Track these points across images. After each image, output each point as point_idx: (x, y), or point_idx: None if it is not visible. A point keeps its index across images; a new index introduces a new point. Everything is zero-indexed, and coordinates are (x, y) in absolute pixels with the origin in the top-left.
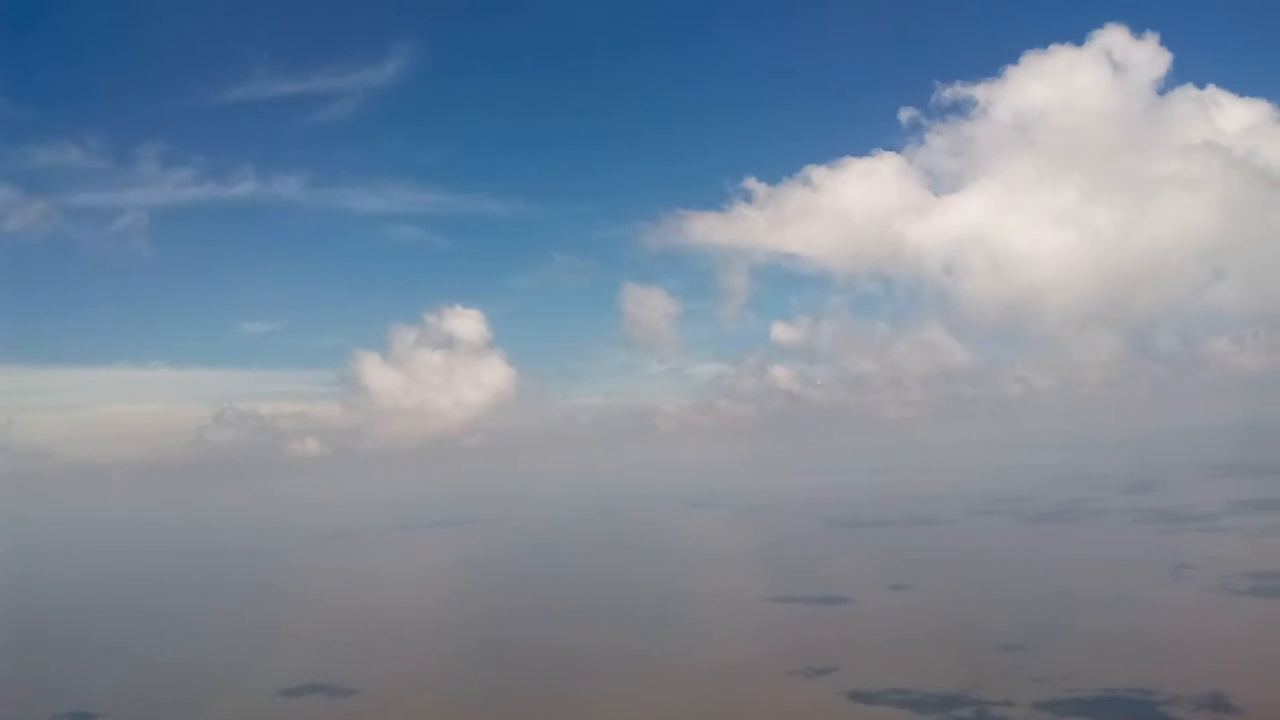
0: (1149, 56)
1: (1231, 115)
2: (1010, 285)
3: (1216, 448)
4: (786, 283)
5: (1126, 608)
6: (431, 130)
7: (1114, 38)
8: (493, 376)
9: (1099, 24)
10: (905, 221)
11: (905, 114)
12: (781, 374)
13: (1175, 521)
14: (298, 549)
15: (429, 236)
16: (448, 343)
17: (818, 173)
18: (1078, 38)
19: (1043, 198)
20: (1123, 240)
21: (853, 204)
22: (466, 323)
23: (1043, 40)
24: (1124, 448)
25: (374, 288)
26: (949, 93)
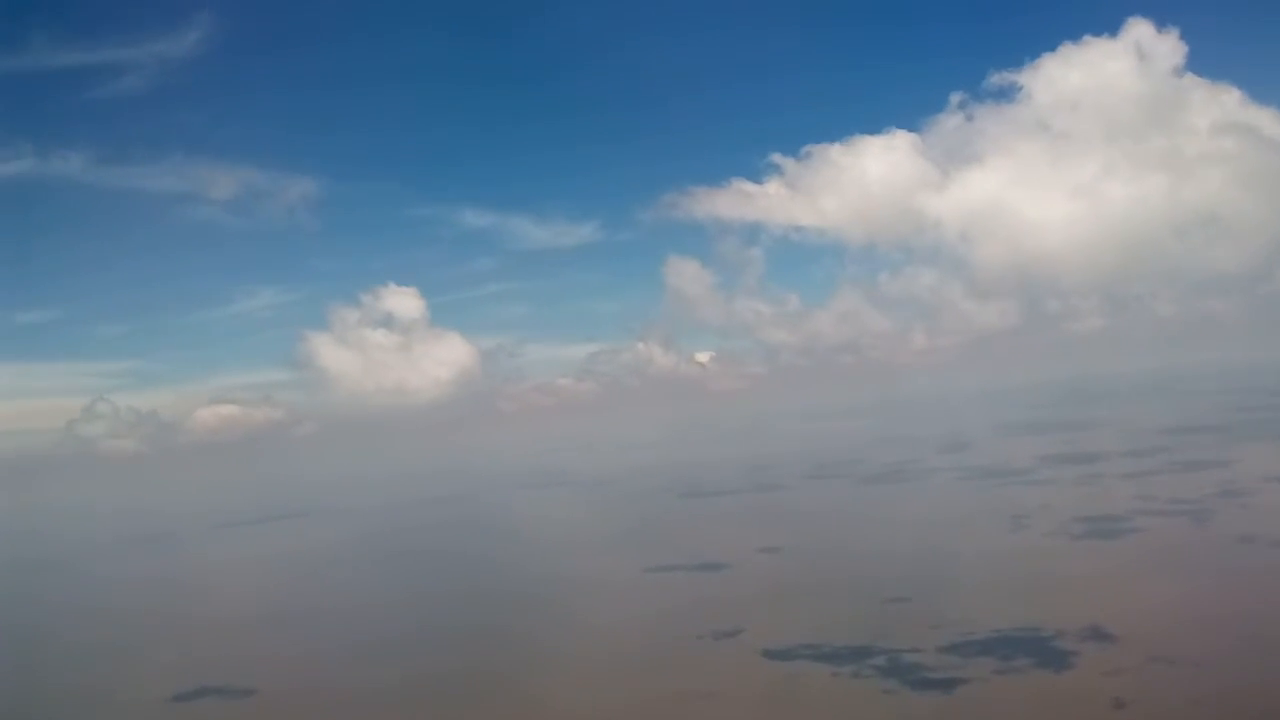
0: (1170, 48)
1: (1220, 101)
2: (1022, 254)
3: (1011, 409)
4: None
5: (985, 556)
6: (232, 105)
7: (1140, 30)
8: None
9: (1123, 17)
10: (924, 196)
11: (954, 97)
12: (656, 352)
13: (996, 477)
14: (126, 552)
15: (229, 218)
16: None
17: (832, 150)
18: (1111, 29)
19: (1066, 176)
20: (1131, 213)
21: (872, 178)
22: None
23: (1076, 31)
24: (929, 412)
25: (167, 272)
26: (996, 78)
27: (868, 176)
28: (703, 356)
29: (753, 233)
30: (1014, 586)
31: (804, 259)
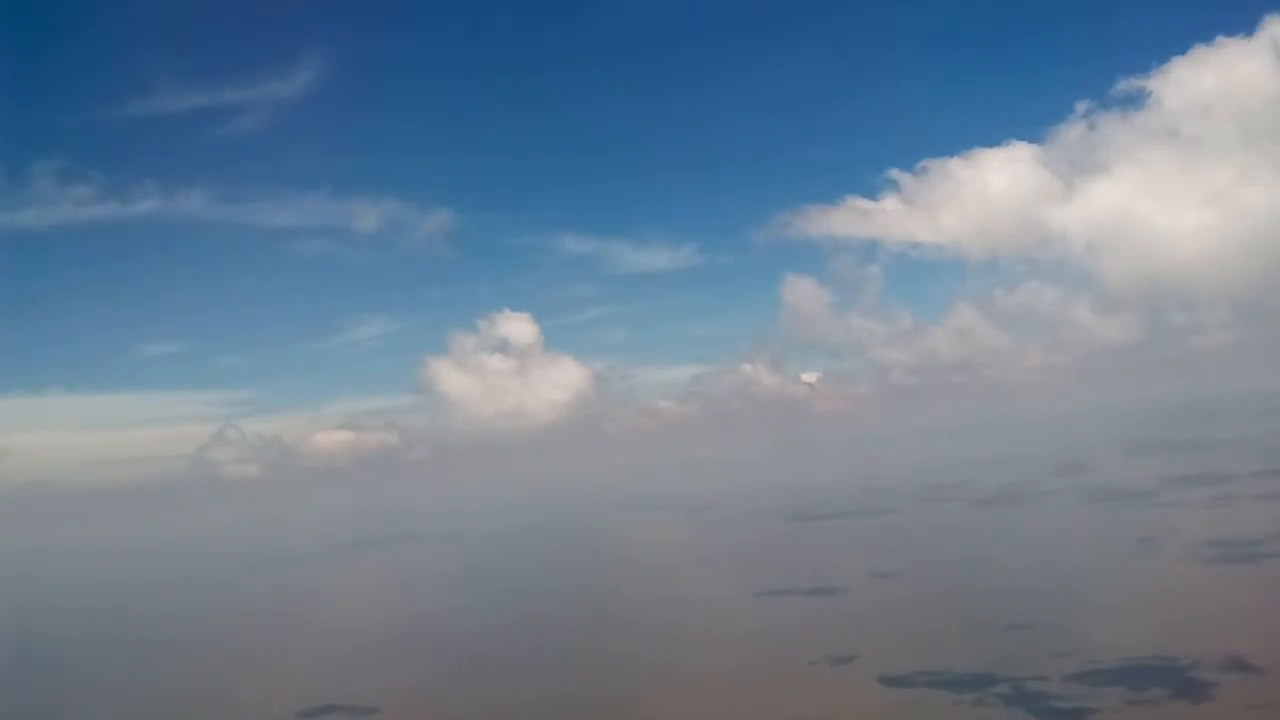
0: None
1: None
2: (1152, 266)
3: (1133, 428)
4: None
5: (1110, 581)
6: (344, 140)
7: (1278, 28)
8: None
9: (1260, 16)
10: (1047, 208)
11: (1080, 106)
12: (763, 372)
13: (1118, 499)
14: (250, 574)
15: (341, 249)
16: (486, 348)
17: (950, 164)
18: (1247, 29)
19: (1198, 184)
20: (1269, 220)
21: (993, 192)
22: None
23: (1208, 33)
24: (1045, 431)
25: (283, 304)
26: (1124, 85)
27: (988, 190)
28: (809, 377)
29: (868, 250)
30: (1143, 613)
31: (921, 275)
